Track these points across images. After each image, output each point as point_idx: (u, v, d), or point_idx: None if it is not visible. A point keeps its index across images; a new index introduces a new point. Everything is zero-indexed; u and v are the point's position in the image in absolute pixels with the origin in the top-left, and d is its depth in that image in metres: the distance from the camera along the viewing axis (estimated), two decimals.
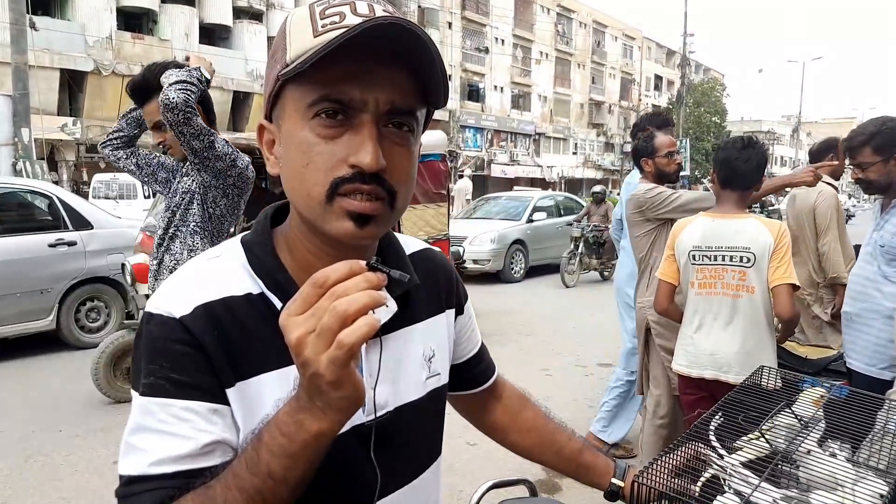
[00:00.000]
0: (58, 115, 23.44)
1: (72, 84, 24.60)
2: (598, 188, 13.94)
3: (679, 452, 1.07)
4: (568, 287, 12.15)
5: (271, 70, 0.87)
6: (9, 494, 3.89)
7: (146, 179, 3.22)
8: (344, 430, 0.81)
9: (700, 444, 1.06)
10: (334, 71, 0.80)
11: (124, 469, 0.82)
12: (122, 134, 3.14)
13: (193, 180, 2.90)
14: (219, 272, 0.90)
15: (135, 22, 27.56)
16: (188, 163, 2.94)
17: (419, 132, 0.90)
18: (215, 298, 0.86)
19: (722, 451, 1.07)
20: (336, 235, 0.84)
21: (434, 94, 0.86)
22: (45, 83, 21.53)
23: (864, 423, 1.31)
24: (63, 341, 6.99)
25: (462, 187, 20.93)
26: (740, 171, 2.91)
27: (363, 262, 0.71)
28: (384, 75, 0.82)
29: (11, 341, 6.75)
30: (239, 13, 30.32)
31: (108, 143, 3.17)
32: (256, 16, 30.69)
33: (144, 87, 2.84)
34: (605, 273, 13.07)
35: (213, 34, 29.73)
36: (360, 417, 0.92)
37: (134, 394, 0.85)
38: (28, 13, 12.57)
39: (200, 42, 28.51)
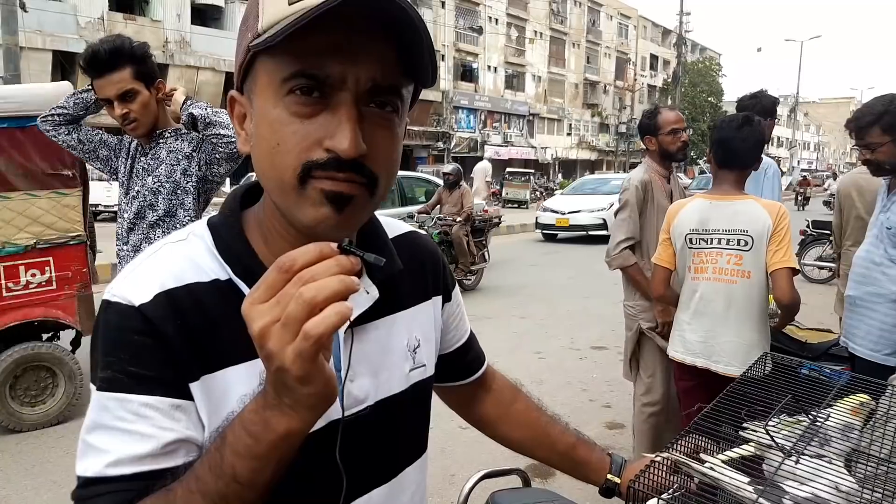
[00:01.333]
0: None
1: (64, 65, 24.37)
2: (449, 168, 10.12)
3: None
4: None
5: (242, 38, 0.80)
6: (1, 476, 3.88)
7: (87, 156, 3.11)
8: (319, 426, 0.75)
9: (680, 457, 1.00)
10: (311, 43, 0.72)
11: (81, 470, 0.76)
12: (66, 112, 3.02)
13: (184, 172, 2.86)
14: (183, 256, 0.84)
15: (126, 2, 27.32)
16: (155, 144, 2.91)
17: (405, 111, 0.82)
18: (179, 285, 0.80)
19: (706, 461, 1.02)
20: (311, 224, 0.77)
21: (420, 69, 0.79)
22: (38, 65, 21.35)
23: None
24: None
25: (482, 168, 21.03)
26: (738, 151, 2.85)
27: (334, 245, 0.64)
28: (366, 49, 0.74)
29: None
30: None
31: (49, 119, 3.04)
32: None
33: (119, 53, 2.74)
34: (466, 281, 9.78)
35: (204, 14, 29.50)
36: (336, 412, 0.86)
37: (91, 388, 0.79)
38: None
39: (192, 23, 28.32)
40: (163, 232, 2.85)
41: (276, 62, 0.75)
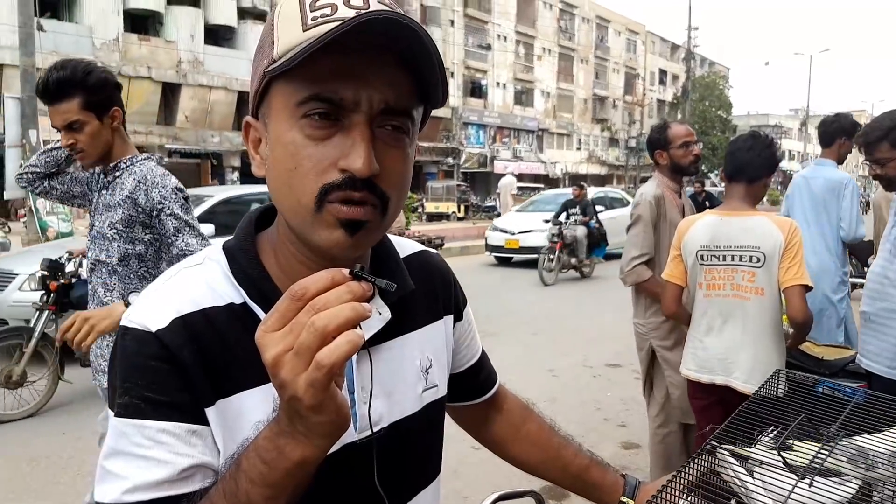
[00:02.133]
0: None
1: None
2: None
3: (692, 470, 1.00)
4: None
5: (258, 64, 0.82)
6: (12, 497, 3.87)
7: (63, 197, 3.05)
8: (334, 449, 0.76)
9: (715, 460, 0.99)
10: (325, 68, 0.74)
11: (99, 496, 0.77)
12: (37, 170, 2.99)
13: (143, 224, 2.63)
14: (199, 281, 0.85)
15: (141, 24, 27.75)
16: (112, 178, 2.68)
17: (415, 132, 0.83)
18: (194, 310, 0.81)
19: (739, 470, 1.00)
20: (325, 246, 0.78)
21: (432, 93, 0.80)
22: None
23: (883, 427, 1.25)
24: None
25: (507, 183, 21.19)
26: (743, 161, 2.87)
27: (346, 271, 0.65)
28: (378, 73, 0.76)
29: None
30: (243, 14, 30.64)
31: (24, 176, 3.01)
32: (260, 16, 30.84)
33: (68, 83, 2.54)
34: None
35: (217, 35, 29.97)
36: (351, 435, 0.86)
37: (110, 414, 0.80)
38: (36, 16, 12.58)
39: (205, 42, 28.76)
40: (119, 279, 2.65)
41: (291, 87, 0.76)
